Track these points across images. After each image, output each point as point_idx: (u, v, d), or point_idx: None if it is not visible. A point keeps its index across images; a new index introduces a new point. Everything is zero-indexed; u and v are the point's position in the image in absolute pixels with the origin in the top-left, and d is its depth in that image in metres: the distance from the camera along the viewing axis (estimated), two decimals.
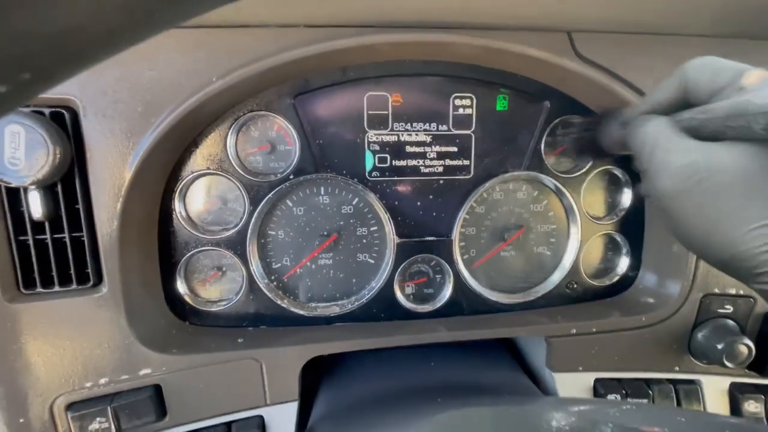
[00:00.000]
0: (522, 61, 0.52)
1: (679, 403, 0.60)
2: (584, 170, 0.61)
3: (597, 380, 0.61)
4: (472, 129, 0.58)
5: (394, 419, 0.48)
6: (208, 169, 0.54)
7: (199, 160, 0.54)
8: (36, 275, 0.45)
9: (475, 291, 0.62)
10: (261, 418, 0.54)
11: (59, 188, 0.44)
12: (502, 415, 0.29)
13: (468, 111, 0.58)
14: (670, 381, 0.62)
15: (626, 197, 0.63)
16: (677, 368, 0.62)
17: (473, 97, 0.57)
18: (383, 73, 0.55)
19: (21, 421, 0.46)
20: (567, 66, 0.50)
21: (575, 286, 0.65)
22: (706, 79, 0.33)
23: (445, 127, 0.58)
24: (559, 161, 0.62)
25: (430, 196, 0.60)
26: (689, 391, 0.61)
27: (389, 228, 0.59)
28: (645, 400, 0.59)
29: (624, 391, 0.59)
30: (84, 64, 0.14)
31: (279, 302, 0.59)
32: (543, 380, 0.63)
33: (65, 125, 0.43)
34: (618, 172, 0.63)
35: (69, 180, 0.45)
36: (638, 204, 0.63)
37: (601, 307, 0.64)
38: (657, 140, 0.34)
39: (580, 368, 0.60)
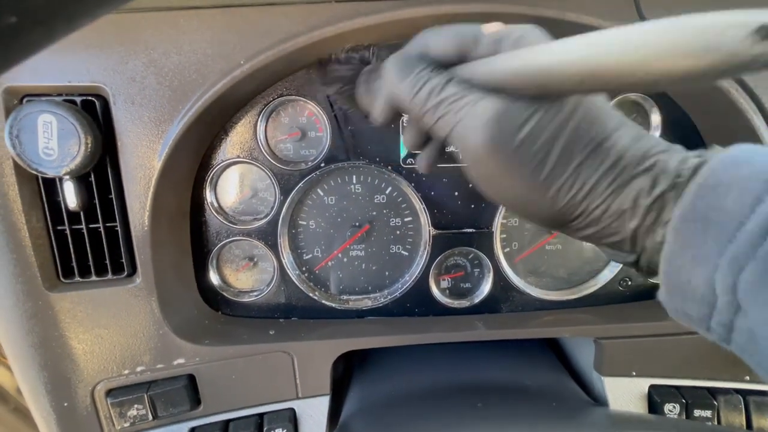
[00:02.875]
0: (578, 31, 0.46)
1: (748, 416, 0.54)
2: None
3: (652, 387, 0.55)
4: None
5: (431, 422, 0.46)
6: (238, 157, 0.52)
7: (228, 148, 0.52)
8: (74, 264, 0.46)
9: (516, 287, 0.58)
10: (293, 410, 0.53)
11: (92, 178, 0.44)
12: None
13: None
14: (738, 391, 0.55)
15: None
16: (747, 377, 0.55)
17: None
18: None
19: (65, 405, 0.47)
20: None
21: (629, 282, 0.59)
22: (452, 41, 0.30)
23: None
24: None
25: (470, 185, 0.55)
26: (761, 403, 0.54)
27: (424, 219, 0.56)
28: (709, 412, 0.53)
29: (684, 401, 0.54)
30: (87, 10, 0.11)
31: (310, 294, 0.57)
32: (591, 384, 0.58)
33: (96, 114, 0.43)
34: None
35: (101, 170, 0.44)
36: None
37: (659, 306, 0.58)
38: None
39: (634, 373, 0.55)
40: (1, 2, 0.09)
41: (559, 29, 0.46)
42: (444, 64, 0.31)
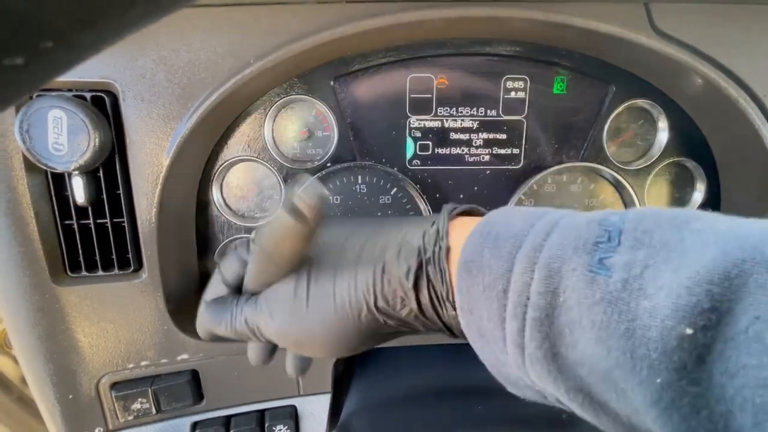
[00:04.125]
0: (588, 38, 0.46)
1: None
2: (651, 162, 0.55)
3: None
4: (524, 114, 0.53)
5: (430, 423, 0.46)
6: (245, 155, 0.52)
7: (235, 145, 0.52)
8: (81, 259, 0.46)
9: None
10: (294, 408, 0.54)
11: (101, 174, 0.44)
12: None
13: (521, 95, 0.52)
14: None
15: (698, 195, 0.56)
16: None
17: (527, 78, 0.52)
18: (428, 52, 0.50)
19: (70, 397, 0.48)
20: (643, 43, 0.44)
21: None
22: (234, 263, 0.38)
23: (494, 113, 0.53)
24: (622, 151, 0.56)
25: (475, 188, 0.55)
26: None
27: None
28: None
29: None
30: (117, 31, 0.12)
31: None
32: None
33: (105, 110, 0.43)
34: (690, 164, 0.56)
35: (110, 165, 0.45)
36: (712, 204, 0.56)
37: None
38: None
39: None
40: (40, 28, 0.09)
41: (568, 34, 0.46)
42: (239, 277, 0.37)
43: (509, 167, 0.55)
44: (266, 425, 0.52)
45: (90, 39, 0.11)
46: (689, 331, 0.17)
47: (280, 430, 0.52)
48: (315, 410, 0.54)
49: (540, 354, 0.23)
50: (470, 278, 0.26)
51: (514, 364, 0.25)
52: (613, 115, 0.53)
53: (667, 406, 0.18)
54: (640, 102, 0.53)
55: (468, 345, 0.59)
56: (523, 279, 0.23)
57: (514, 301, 0.24)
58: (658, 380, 0.18)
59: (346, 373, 0.63)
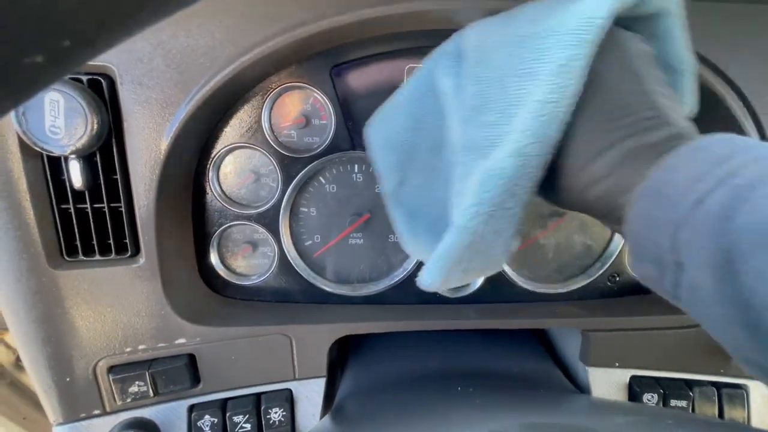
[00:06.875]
0: None
1: (721, 407, 0.57)
2: None
3: (633, 377, 0.58)
4: None
5: (422, 405, 0.48)
6: (242, 142, 0.53)
7: (232, 132, 0.52)
8: (78, 243, 0.46)
9: (509, 278, 0.60)
10: (289, 391, 0.55)
11: (98, 158, 0.44)
12: None
13: None
14: (713, 383, 0.58)
15: None
16: (722, 371, 0.58)
17: None
18: (426, 43, 0.51)
19: (67, 380, 0.48)
20: None
21: (617, 278, 0.62)
22: None
23: None
24: None
25: None
26: (733, 395, 0.58)
27: None
28: (684, 402, 0.56)
29: (662, 391, 0.57)
30: (129, 29, 0.12)
31: (309, 279, 0.58)
32: (575, 374, 0.61)
33: (102, 93, 0.43)
34: None
35: (107, 150, 0.45)
36: None
37: (643, 302, 0.61)
38: None
39: (617, 364, 0.58)
40: (59, 28, 0.10)
41: None
42: None
43: None
44: (262, 408, 0.53)
45: (104, 38, 0.11)
46: None
47: (276, 412, 0.54)
48: (310, 393, 0.55)
49: None
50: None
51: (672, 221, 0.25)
52: None
53: None
54: None
55: (459, 331, 0.60)
56: None
57: None
58: None
59: (341, 358, 0.64)
